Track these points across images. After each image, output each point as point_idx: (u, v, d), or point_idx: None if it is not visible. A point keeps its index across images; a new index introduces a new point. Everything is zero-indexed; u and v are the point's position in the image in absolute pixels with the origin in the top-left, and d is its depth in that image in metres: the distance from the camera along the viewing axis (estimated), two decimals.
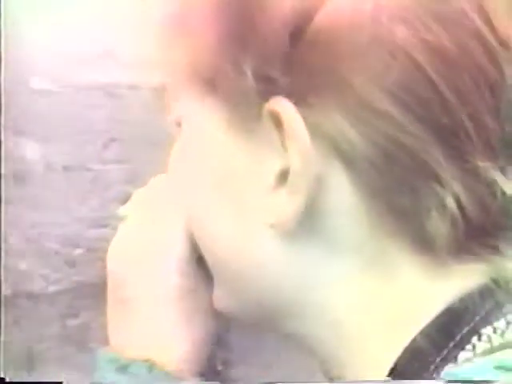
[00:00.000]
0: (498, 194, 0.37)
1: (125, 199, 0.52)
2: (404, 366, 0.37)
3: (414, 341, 0.37)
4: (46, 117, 0.51)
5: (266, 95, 0.37)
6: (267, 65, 0.37)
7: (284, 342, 0.52)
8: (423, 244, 0.38)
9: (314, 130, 0.37)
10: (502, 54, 0.37)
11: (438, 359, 0.36)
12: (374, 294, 0.39)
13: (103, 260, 0.50)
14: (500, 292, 0.38)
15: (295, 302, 0.42)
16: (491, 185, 0.37)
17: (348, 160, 0.37)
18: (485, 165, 0.37)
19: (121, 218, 0.51)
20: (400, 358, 0.37)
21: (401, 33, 0.36)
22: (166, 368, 0.48)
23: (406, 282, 0.39)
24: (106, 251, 0.50)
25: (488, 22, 0.37)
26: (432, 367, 0.36)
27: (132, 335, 0.49)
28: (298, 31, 0.36)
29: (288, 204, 0.38)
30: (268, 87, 0.37)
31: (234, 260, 0.43)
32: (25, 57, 0.50)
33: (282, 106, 0.37)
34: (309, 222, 0.38)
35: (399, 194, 0.37)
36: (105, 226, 0.53)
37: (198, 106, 0.42)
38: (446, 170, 0.37)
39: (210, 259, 0.45)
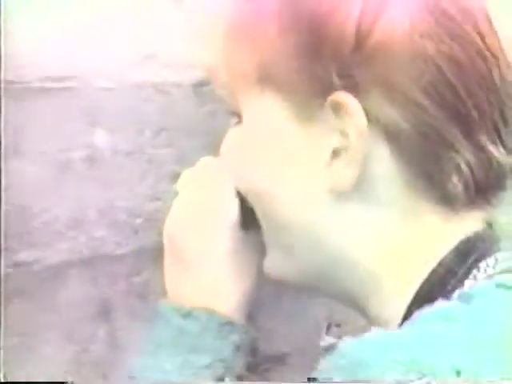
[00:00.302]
0: (494, 162, 0.53)
1: (174, 178, 0.63)
2: (427, 288, 0.51)
3: (434, 269, 0.51)
4: (110, 109, 0.62)
5: (329, 91, 0.51)
6: (333, 69, 0.50)
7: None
8: (444, 198, 0.53)
9: (368, 116, 0.51)
10: (491, 61, 0.52)
11: (453, 282, 0.50)
12: (405, 238, 0.53)
13: (159, 228, 0.61)
14: (491, 234, 0.53)
15: (342, 258, 0.55)
16: (490, 155, 0.53)
17: (392, 137, 0.52)
18: (485, 140, 0.52)
19: (174, 193, 0.62)
20: (424, 282, 0.51)
21: (430, 47, 0.51)
22: (224, 313, 0.60)
23: (430, 226, 0.54)
24: (160, 221, 0.61)
25: (483, 39, 0.52)
26: (448, 288, 0.50)
27: (189, 288, 0.61)
28: (359, 44, 0.51)
29: (345, 173, 0.52)
30: (333, 85, 0.50)
31: (295, 222, 0.56)
32: (93, 61, 0.61)
33: (346, 97, 0.51)
34: (359, 186, 0.52)
35: (428, 162, 0.52)
36: (159, 200, 0.64)
37: (259, 100, 0.55)
38: (461, 144, 0.52)
39: (270, 226, 0.57)
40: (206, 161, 0.63)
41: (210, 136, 0.65)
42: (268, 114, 0.55)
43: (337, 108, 0.52)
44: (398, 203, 0.53)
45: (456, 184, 0.52)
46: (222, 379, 0.58)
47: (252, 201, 0.58)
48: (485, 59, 0.53)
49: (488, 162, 0.53)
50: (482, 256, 0.52)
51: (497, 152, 0.53)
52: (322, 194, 0.54)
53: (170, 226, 0.61)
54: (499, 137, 0.54)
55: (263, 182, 0.57)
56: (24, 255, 0.56)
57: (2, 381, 0.59)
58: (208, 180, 0.62)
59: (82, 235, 0.60)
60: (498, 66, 0.53)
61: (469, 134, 0.52)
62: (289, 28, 0.53)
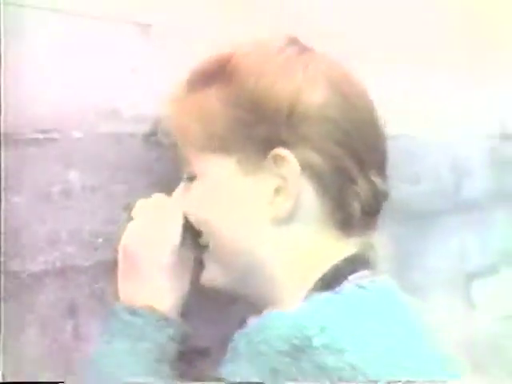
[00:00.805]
0: (378, 190, 0.76)
1: (126, 207, 0.82)
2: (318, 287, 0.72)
3: (324, 274, 0.73)
4: (80, 154, 0.80)
5: (269, 148, 0.73)
6: (271, 132, 0.73)
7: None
8: (343, 222, 0.74)
9: (301, 164, 0.73)
10: (376, 122, 0.78)
11: (334, 285, 0.72)
12: (309, 253, 0.75)
13: (114, 246, 0.80)
14: (364, 256, 0.74)
15: (265, 271, 0.75)
16: (376, 185, 0.75)
17: (314, 177, 0.74)
18: (374, 174, 0.75)
19: (129, 219, 0.81)
20: (316, 283, 0.73)
21: (336, 115, 0.74)
22: (162, 311, 0.79)
23: (328, 245, 0.75)
24: (115, 241, 0.80)
25: (368, 108, 0.78)
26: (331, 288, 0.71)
27: (136, 291, 0.79)
28: (290, 114, 0.73)
29: (285, 205, 0.74)
30: (272, 143, 0.73)
31: (240, 246, 0.76)
32: (69, 115, 0.79)
33: (283, 152, 0.73)
34: (293, 214, 0.74)
35: (337, 192, 0.74)
36: (115, 224, 0.82)
37: (211, 160, 0.75)
38: (359, 178, 0.73)
39: (217, 249, 0.78)
40: (159, 196, 0.82)
41: (155, 175, 0.84)
42: (219, 169, 0.76)
43: (277, 159, 0.73)
44: (312, 226, 0.75)
45: (356, 207, 0.74)
46: (161, 360, 0.77)
47: (204, 231, 0.78)
48: (373, 122, 0.77)
49: (374, 190, 0.76)
50: (355, 270, 0.74)
51: (380, 184, 0.76)
52: (264, 224, 0.75)
53: (126, 243, 0.80)
54: (381, 172, 0.77)
55: (217, 219, 0.77)
56: (13, 265, 0.74)
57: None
58: (159, 211, 0.81)
59: (56, 251, 0.78)
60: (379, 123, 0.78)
61: (363, 170, 0.75)
62: (230, 103, 0.74)
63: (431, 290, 1.35)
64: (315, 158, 0.73)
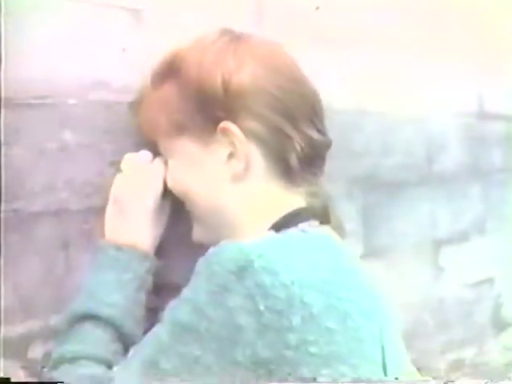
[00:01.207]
0: (314, 141, 0.91)
1: (114, 163, 0.99)
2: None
3: (271, 227, 0.89)
4: (75, 118, 0.97)
5: (216, 123, 0.89)
6: (215, 110, 0.89)
7: None
8: (286, 173, 0.90)
9: (243, 131, 0.89)
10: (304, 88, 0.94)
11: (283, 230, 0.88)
12: (263, 202, 0.91)
13: (102, 194, 0.97)
14: (311, 207, 0.90)
15: (230, 215, 0.91)
16: (311, 137, 0.91)
17: (257, 140, 0.90)
18: (306, 127, 0.91)
19: (118, 170, 0.97)
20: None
21: (267, 85, 0.91)
22: (142, 248, 0.95)
23: (277, 194, 0.91)
24: (104, 189, 0.96)
25: (296, 77, 0.94)
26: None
27: (121, 231, 0.96)
28: (225, 93, 0.89)
29: (238, 165, 0.90)
30: (218, 118, 0.89)
31: (207, 205, 0.93)
32: (64, 84, 0.96)
33: (228, 124, 0.89)
34: (245, 171, 0.90)
35: (277, 149, 0.90)
36: (104, 176, 0.99)
37: (176, 140, 0.92)
38: (293, 133, 0.90)
39: (192, 209, 0.95)
40: (145, 153, 0.99)
41: (138, 137, 1.01)
42: (184, 149, 0.93)
43: (224, 131, 0.90)
44: (263, 179, 0.92)
45: (294, 159, 0.90)
46: (140, 288, 0.94)
47: (178, 195, 0.95)
48: (299, 83, 0.93)
49: (310, 141, 0.91)
50: (304, 220, 0.90)
51: (315, 134, 0.92)
52: (225, 183, 0.92)
53: (115, 190, 0.97)
54: (314, 124, 0.92)
55: (190, 189, 0.95)
56: (18, 205, 0.91)
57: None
58: (144, 165, 0.97)
59: (52, 196, 0.95)
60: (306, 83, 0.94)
61: (296, 126, 0.91)
62: (183, 93, 0.90)
63: (398, 252, 1.50)
64: (253, 125, 0.90)
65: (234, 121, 0.90)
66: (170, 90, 0.94)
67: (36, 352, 0.94)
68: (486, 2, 1.70)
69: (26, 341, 0.93)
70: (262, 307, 0.76)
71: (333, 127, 0.99)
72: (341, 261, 0.89)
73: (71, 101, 0.97)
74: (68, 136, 0.96)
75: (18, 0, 0.90)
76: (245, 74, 0.90)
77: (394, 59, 1.45)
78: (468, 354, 1.72)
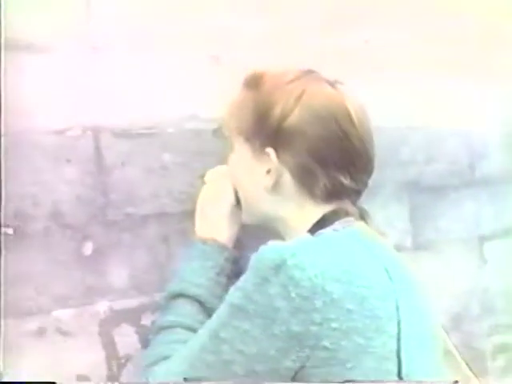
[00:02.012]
0: (342, 184, 1.15)
1: (201, 176, 1.28)
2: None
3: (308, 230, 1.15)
4: (175, 146, 1.27)
5: (265, 143, 1.17)
6: (266, 135, 1.16)
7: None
8: (312, 195, 1.16)
9: (279, 159, 1.15)
10: (349, 136, 1.17)
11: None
12: (297, 213, 1.17)
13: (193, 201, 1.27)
14: (336, 214, 1.16)
15: (272, 216, 1.20)
16: (340, 181, 1.15)
17: (291, 169, 1.15)
18: (338, 174, 1.15)
19: (203, 183, 1.27)
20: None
21: (309, 131, 1.15)
22: (221, 242, 1.24)
23: (308, 208, 1.17)
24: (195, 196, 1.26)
25: (341, 125, 1.16)
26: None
27: (207, 229, 1.25)
28: (278, 127, 1.15)
29: (270, 181, 1.16)
30: (265, 140, 1.16)
31: (253, 203, 1.21)
32: (164, 114, 1.27)
33: (271, 151, 1.16)
34: (275, 187, 1.17)
35: (307, 181, 1.15)
36: (194, 188, 1.29)
37: (239, 143, 1.20)
38: (323, 176, 1.15)
39: (243, 204, 1.23)
40: (222, 167, 1.28)
41: (220, 156, 1.30)
42: (242, 148, 1.20)
43: (267, 154, 1.15)
44: (292, 195, 1.17)
45: (318, 191, 1.15)
46: (221, 273, 1.23)
47: (232, 182, 1.24)
48: (346, 137, 1.15)
49: (339, 185, 1.15)
50: (337, 219, 1.16)
51: (346, 181, 1.15)
52: (261, 190, 1.18)
53: (201, 199, 1.27)
54: (348, 172, 1.15)
55: (236, 176, 1.23)
56: (130, 210, 1.22)
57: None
58: (222, 177, 1.26)
59: (156, 202, 1.26)
60: (352, 139, 1.15)
61: (326, 170, 1.14)
62: (253, 107, 1.17)
63: (444, 246, 1.75)
64: (288, 158, 1.15)
65: (277, 149, 1.15)
66: (246, 98, 1.20)
67: (147, 321, 1.24)
68: None
69: (139, 312, 1.24)
70: (293, 294, 1.01)
71: (384, 141, 1.23)
72: (366, 253, 1.11)
73: (170, 130, 1.28)
74: (167, 157, 1.27)
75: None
76: (296, 118, 1.14)
77: (435, 80, 1.70)
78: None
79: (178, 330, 1.17)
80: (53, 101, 1.17)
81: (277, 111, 1.15)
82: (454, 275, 1.78)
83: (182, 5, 1.29)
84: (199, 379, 1.06)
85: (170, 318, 1.18)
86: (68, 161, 1.18)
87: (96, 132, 1.21)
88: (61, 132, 1.18)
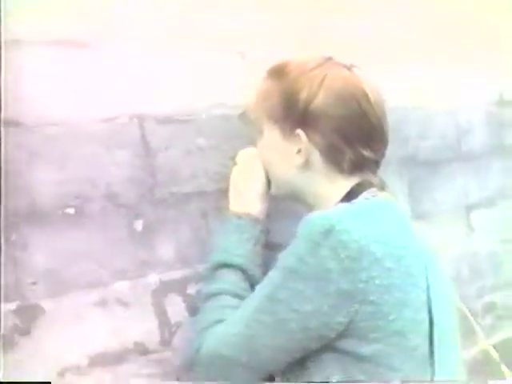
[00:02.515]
0: (364, 156, 1.29)
1: (233, 157, 1.41)
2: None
3: (341, 199, 1.29)
4: (204, 130, 1.39)
5: (294, 125, 1.30)
6: (295, 118, 1.30)
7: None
8: (340, 169, 1.30)
9: (309, 138, 1.29)
10: (369, 115, 1.30)
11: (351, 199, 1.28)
12: (328, 185, 1.31)
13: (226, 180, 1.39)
14: (365, 184, 1.30)
15: (303, 191, 1.33)
16: (362, 153, 1.29)
17: (319, 146, 1.29)
18: (360, 148, 1.29)
19: (234, 163, 1.39)
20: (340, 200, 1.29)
21: (333, 112, 1.28)
22: (255, 215, 1.37)
23: (332, 181, 1.31)
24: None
25: (362, 107, 1.30)
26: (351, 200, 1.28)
27: (240, 204, 1.37)
28: (305, 109, 1.28)
29: (301, 160, 1.30)
30: (294, 123, 1.30)
31: (283, 179, 1.34)
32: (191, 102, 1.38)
33: (301, 133, 1.29)
34: (307, 164, 1.31)
35: (335, 156, 1.29)
36: (226, 167, 1.41)
37: (269, 126, 1.33)
38: (348, 150, 1.29)
39: (273, 180, 1.36)
40: (251, 149, 1.40)
41: (248, 138, 1.42)
42: (272, 132, 1.33)
43: (297, 135, 1.28)
44: (321, 171, 1.30)
45: (345, 165, 1.28)
46: (257, 243, 1.35)
47: (261, 162, 1.37)
48: (365, 115, 1.28)
49: (362, 156, 1.29)
50: (365, 190, 1.29)
51: (368, 153, 1.29)
52: (293, 168, 1.31)
53: (234, 176, 1.39)
54: (368, 145, 1.29)
55: (266, 157, 1.35)
56: (174, 189, 1.34)
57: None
58: (252, 158, 1.39)
59: (196, 182, 1.37)
60: (370, 116, 1.29)
61: (351, 145, 1.28)
62: (279, 93, 1.30)
63: (438, 216, 1.91)
64: (317, 138, 1.28)
65: (305, 130, 1.28)
66: (272, 87, 1.32)
67: (191, 290, 1.36)
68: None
69: (184, 282, 1.36)
70: (342, 256, 1.14)
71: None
72: (396, 218, 1.27)
73: (203, 116, 1.39)
74: (202, 141, 1.39)
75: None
76: (320, 101, 1.27)
77: (428, 67, 1.86)
78: (498, 298, 2.11)
79: (225, 296, 1.29)
80: (103, 92, 1.28)
81: (303, 96, 1.28)
82: (447, 242, 1.93)
83: (213, 6, 1.43)
84: (253, 337, 1.19)
85: (216, 285, 1.30)
86: (118, 146, 1.28)
87: (141, 119, 1.32)
88: (111, 119, 1.28)
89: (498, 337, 2.05)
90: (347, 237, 1.15)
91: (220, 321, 1.24)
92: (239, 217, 1.36)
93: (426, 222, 1.88)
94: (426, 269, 1.23)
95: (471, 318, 1.42)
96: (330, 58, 1.33)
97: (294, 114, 1.29)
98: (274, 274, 1.20)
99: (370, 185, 1.31)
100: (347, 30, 1.65)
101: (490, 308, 2.08)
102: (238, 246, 1.34)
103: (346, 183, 1.30)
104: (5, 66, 1.13)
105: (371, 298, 1.13)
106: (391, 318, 1.14)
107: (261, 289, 1.22)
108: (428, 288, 1.22)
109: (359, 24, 1.69)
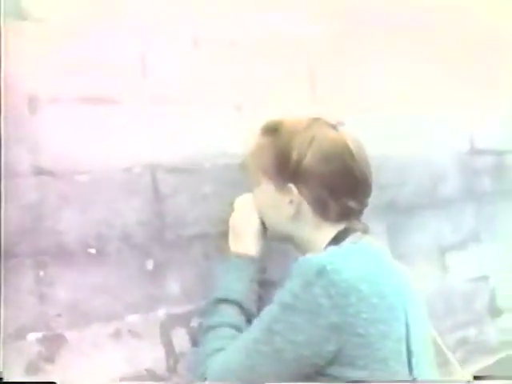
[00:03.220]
0: (350, 207, 1.47)
1: (232, 203, 1.57)
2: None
3: (328, 243, 1.45)
4: (211, 176, 1.55)
5: (286, 180, 1.47)
6: (288, 174, 1.47)
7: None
8: (327, 218, 1.46)
9: (299, 191, 1.45)
10: (355, 171, 1.47)
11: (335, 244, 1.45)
12: (314, 233, 1.47)
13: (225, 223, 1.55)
14: (348, 231, 1.47)
15: (294, 236, 1.49)
16: (348, 205, 1.46)
17: (306, 199, 1.46)
18: (347, 200, 1.46)
19: (232, 208, 1.55)
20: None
21: (322, 168, 1.45)
22: (252, 255, 1.52)
23: (324, 229, 1.47)
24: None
25: (349, 162, 1.47)
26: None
27: (239, 247, 1.53)
28: (297, 166, 1.45)
29: (292, 210, 1.47)
30: (286, 178, 1.47)
31: (276, 229, 1.51)
32: (200, 149, 1.55)
33: (292, 187, 1.46)
34: (296, 215, 1.47)
35: (322, 207, 1.46)
36: (225, 212, 1.57)
37: (263, 180, 1.50)
38: (334, 203, 1.46)
39: (268, 228, 1.53)
40: (247, 195, 1.56)
41: (246, 186, 1.58)
42: (267, 187, 1.49)
43: (289, 188, 1.44)
44: (310, 220, 1.46)
45: (331, 215, 1.44)
46: (252, 280, 1.50)
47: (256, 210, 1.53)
48: (346, 171, 1.45)
49: (347, 208, 1.45)
50: (349, 235, 1.45)
51: (352, 204, 1.45)
52: (285, 218, 1.47)
53: (232, 222, 1.55)
54: (354, 197, 1.46)
55: (260, 206, 1.52)
56: (180, 232, 1.49)
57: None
58: (248, 204, 1.55)
59: (200, 225, 1.53)
60: (354, 171, 1.45)
61: (337, 198, 1.44)
62: (272, 150, 1.47)
63: (415, 257, 2.07)
64: (306, 192, 1.43)
65: (296, 184, 1.44)
66: (266, 144, 1.49)
67: (194, 323, 1.51)
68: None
69: (188, 316, 1.51)
70: (333, 293, 1.29)
71: None
72: (380, 259, 1.43)
73: (206, 165, 1.56)
74: (207, 188, 1.55)
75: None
76: (309, 160, 1.42)
77: (404, 117, 2.04)
78: (470, 333, 2.27)
79: (225, 328, 1.44)
80: (121, 145, 1.44)
81: (294, 156, 1.45)
82: (423, 281, 2.10)
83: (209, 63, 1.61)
84: (254, 366, 1.34)
85: (216, 319, 1.46)
86: (133, 192, 1.44)
87: (153, 169, 1.48)
88: (128, 169, 1.44)
89: (470, 370, 2.20)
90: (337, 276, 1.30)
91: (221, 349, 1.39)
92: (238, 256, 1.52)
93: (404, 262, 2.02)
94: (406, 304, 1.38)
95: (446, 350, 1.58)
96: (317, 119, 1.51)
97: (287, 171, 1.45)
98: (271, 309, 1.35)
99: (355, 230, 1.47)
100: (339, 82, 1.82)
101: (462, 342, 2.23)
102: (237, 283, 1.49)
103: (332, 229, 1.46)
104: (43, 122, 1.30)
105: (359, 330, 1.29)
106: (376, 347, 1.30)
107: (259, 322, 1.37)
108: (407, 321, 1.37)
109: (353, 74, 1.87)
